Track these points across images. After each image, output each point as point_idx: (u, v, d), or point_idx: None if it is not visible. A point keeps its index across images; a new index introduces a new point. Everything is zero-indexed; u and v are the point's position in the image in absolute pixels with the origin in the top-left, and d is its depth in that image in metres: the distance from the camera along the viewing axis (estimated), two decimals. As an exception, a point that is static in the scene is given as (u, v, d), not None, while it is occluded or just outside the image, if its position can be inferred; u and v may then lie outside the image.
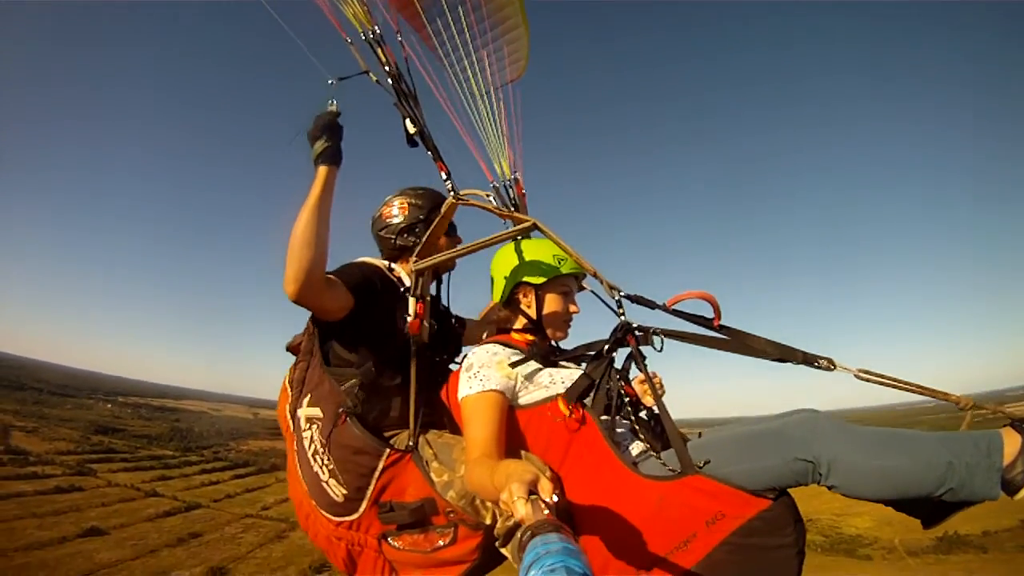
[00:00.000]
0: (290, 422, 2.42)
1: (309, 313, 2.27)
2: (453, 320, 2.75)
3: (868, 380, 1.81)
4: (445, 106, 2.70)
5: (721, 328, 1.98)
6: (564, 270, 2.29)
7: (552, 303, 2.30)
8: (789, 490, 1.74)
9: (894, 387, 1.81)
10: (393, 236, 2.54)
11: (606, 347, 2.09)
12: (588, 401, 2.00)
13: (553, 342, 2.37)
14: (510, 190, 2.91)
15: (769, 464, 1.70)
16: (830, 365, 1.81)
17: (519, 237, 2.39)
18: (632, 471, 1.85)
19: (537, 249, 2.33)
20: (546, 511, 1.22)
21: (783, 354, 1.88)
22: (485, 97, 2.84)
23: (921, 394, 1.79)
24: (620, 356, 2.14)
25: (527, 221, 2.23)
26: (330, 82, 2.30)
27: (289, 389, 2.44)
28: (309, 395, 2.30)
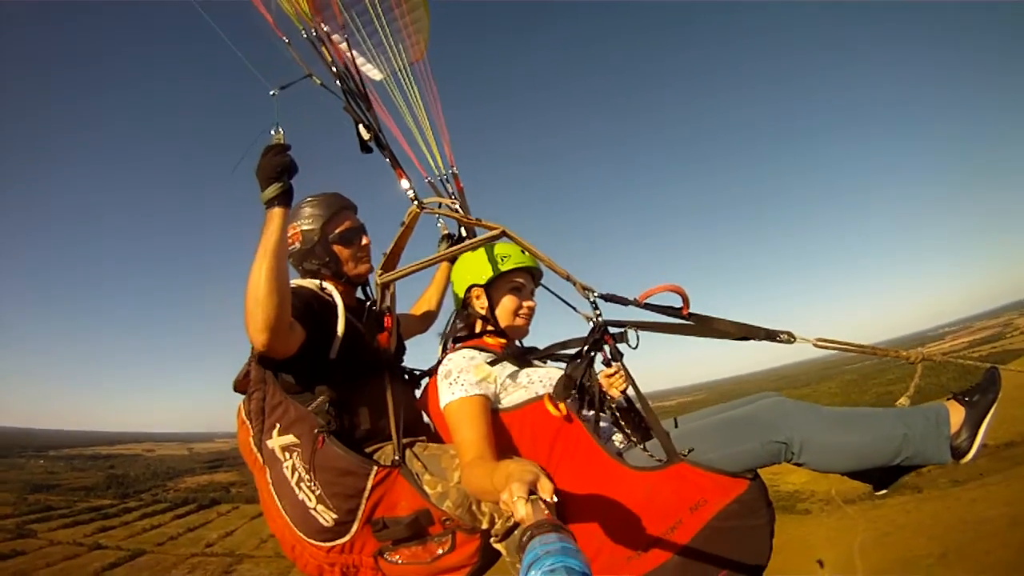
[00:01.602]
0: (258, 455, 2.32)
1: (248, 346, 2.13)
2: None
3: (826, 347, 1.98)
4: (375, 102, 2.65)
5: (690, 316, 2.10)
6: (507, 267, 2.31)
7: (503, 300, 2.33)
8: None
9: (850, 351, 1.97)
10: (298, 266, 2.50)
11: (586, 347, 2.14)
12: (570, 400, 2.05)
13: (517, 341, 2.39)
14: (448, 185, 2.87)
15: (747, 448, 1.86)
16: (790, 338, 1.97)
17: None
18: (620, 463, 1.93)
19: (483, 251, 2.34)
20: (546, 511, 1.23)
21: (747, 333, 2.03)
22: (392, 79, 2.81)
23: (874, 355, 1.95)
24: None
25: (496, 228, 2.22)
26: (271, 93, 2.17)
27: (248, 422, 2.33)
28: (277, 424, 2.21)
